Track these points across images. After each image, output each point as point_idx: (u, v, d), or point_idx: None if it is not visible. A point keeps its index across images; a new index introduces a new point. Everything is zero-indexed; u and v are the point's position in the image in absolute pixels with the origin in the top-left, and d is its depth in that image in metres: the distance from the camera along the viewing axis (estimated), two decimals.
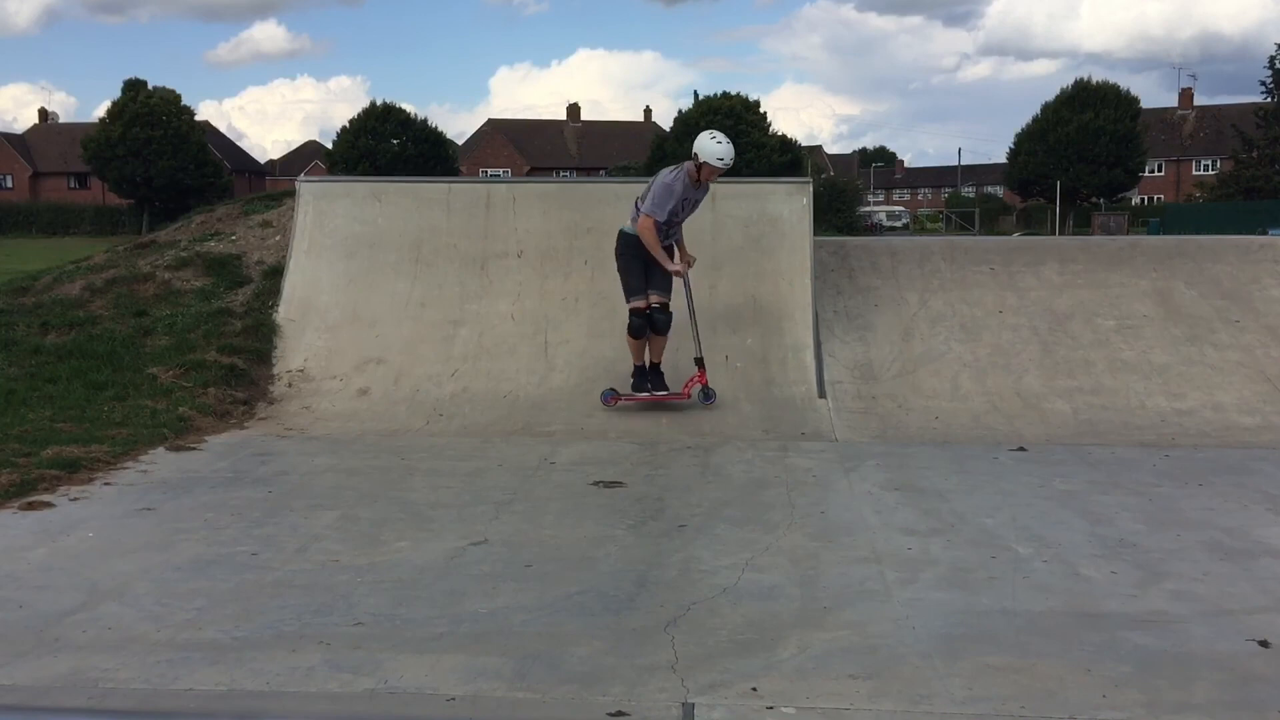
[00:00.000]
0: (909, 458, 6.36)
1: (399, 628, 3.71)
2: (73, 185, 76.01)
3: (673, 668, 3.36)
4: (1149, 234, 36.00)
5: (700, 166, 7.25)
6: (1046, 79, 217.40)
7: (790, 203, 9.04)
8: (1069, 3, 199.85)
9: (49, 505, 5.21)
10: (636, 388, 7.54)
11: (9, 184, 76.46)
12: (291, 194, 9.95)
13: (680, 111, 60.63)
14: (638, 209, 7.37)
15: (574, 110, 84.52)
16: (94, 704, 3.15)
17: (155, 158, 58.47)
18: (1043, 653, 3.49)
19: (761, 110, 59.77)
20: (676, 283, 7.48)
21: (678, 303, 7.56)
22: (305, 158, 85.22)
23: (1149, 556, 4.48)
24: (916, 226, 69.94)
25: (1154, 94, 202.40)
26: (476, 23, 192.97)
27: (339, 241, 9.04)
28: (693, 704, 3.12)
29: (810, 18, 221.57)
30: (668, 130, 63.63)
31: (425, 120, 64.49)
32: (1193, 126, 78.98)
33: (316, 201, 9.34)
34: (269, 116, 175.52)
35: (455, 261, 8.86)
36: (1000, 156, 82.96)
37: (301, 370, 8.09)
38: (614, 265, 7.63)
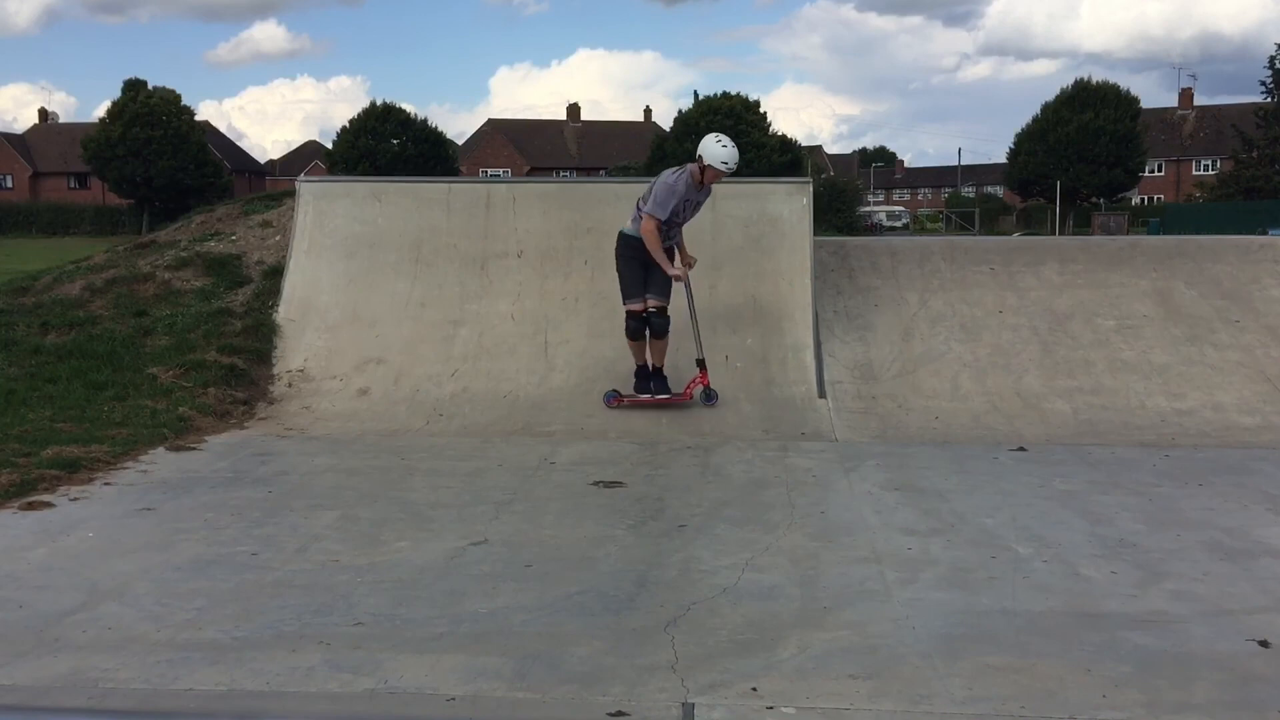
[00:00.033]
0: (909, 458, 6.36)
1: (399, 628, 3.71)
2: (73, 185, 76.00)
3: (673, 668, 3.36)
4: (1149, 234, 36.00)
5: (704, 169, 7.24)
6: (1046, 79, 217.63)
7: (790, 203, 9.04)
8: (1069, 3, 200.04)
9: (49, 505, 5.21)
10: (638, 388, 7.55)
11: (9, 184, 76.47)
12: (291, 194, 9.95)
13: (680, 111, 60.69)
14: (639, 211, 7.36)
15: (574, 110, 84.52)
16: (94, 704, 3.15)
17: (155, 158, 58.47)
18: (1043, 653, 3.49)
19: (761, 110, 59.79)
20: (676, 285, 7.47)
21: (680, 303, 7.56)
22: (305, 158, 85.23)
23: (1149, 556, 4.48)
24: (916, 226, 69.94)
25: (1154, 94, 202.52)
26: (476, 23, 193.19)
27: (339, 241, 9.04)
28: (693, 704, 3.12)
29: (810, 18, 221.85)
30: (668, 130, 63.61)
31: (425, 120, 64.56)
32: (1193, 126, 78.98)
33: (316, 201, 9.34)
34: (269, 116, 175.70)
35: (455, 261, 8.86)
36: (1000, 156, 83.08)
37: (301, 370, 8.09)
38: (614, 265, 7.63)
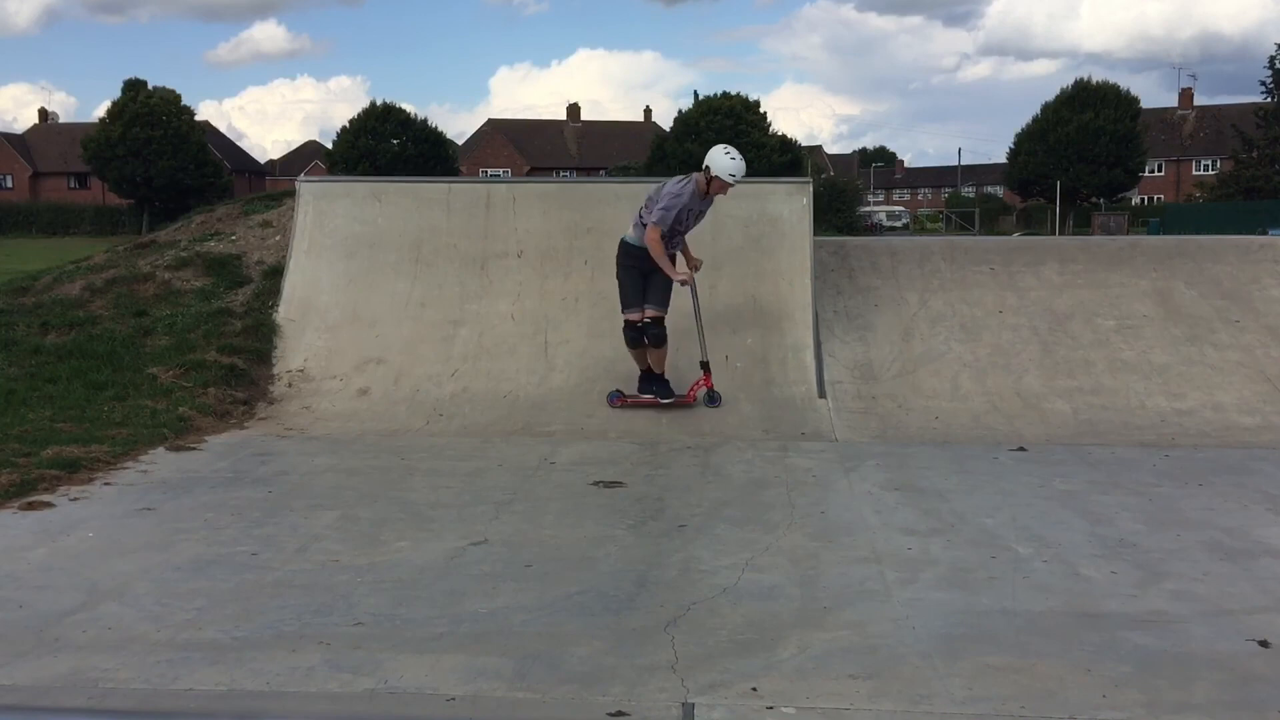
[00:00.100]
0: (909, 458, 6.36)
1: (399, 628, 3.71)
2: (73, 185, 75.99)
3: (673, 668, 3.36)
4: (1149, 234, 36.01)
5: (711, 180, 7.24)
6: (1046, 79, 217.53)
7: (790, 203, 9.04)
8: (1069, 3, 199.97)
9: (49, 505, 5.21)
10: (642, 389, 7.56)
11: (9, 184, 76.45)
12: (291, 194, 9.96)
13: (680, 111, 60.69)
14: (641, 220, 7.35)
15: (574, 110, 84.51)
16: (94, 704, 3.15)
17: (155, 158, 58.45)
18: (1043, 653, 3.49)
19: (761, 110, 59.73)
20: (677, 290, 7.47)
21: (684, 305, 7.56)
22: (305, 158, 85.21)
23: (1149, 556, 4.48)
24: (916, 226, 69.92)
25: (1154, 94, 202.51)
26: (476, 23, 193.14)
27: (339, 241, 9.05)
28: (693, 704, 3.12)
29: (810, 18, 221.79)
30: (668, 130, 63.62)
31: (425, 120, 64.52)
32: (1193, 126, 78.97)
33: (316, 201, 9.34)
34: (269, 116, 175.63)
35: (455, 261, 8.86)
36: (1000, 156, 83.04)
37: (301, 370, 8.09)
38: (614, 265, 7.63)
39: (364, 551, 4.56)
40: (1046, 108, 62.96)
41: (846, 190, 61.44)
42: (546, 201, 9.25)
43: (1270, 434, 6.94)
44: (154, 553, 4.53)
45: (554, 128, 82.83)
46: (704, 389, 7.52)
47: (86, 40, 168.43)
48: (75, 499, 5.34)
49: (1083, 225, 56.17)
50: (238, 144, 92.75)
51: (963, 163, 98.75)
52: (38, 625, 3.71)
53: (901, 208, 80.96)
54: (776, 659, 3.44)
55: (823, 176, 62.28)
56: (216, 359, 7.92)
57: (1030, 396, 7.57)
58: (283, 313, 8.66)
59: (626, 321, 7.48)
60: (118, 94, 60.82)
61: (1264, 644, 3.55)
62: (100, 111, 65.32)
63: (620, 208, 8.57)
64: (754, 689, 3.22)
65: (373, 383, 7.87)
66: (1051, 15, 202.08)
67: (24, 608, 3.88)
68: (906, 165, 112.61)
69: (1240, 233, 17.73)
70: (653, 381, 7.54)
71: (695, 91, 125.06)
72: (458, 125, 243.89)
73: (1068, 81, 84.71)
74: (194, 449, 6.50)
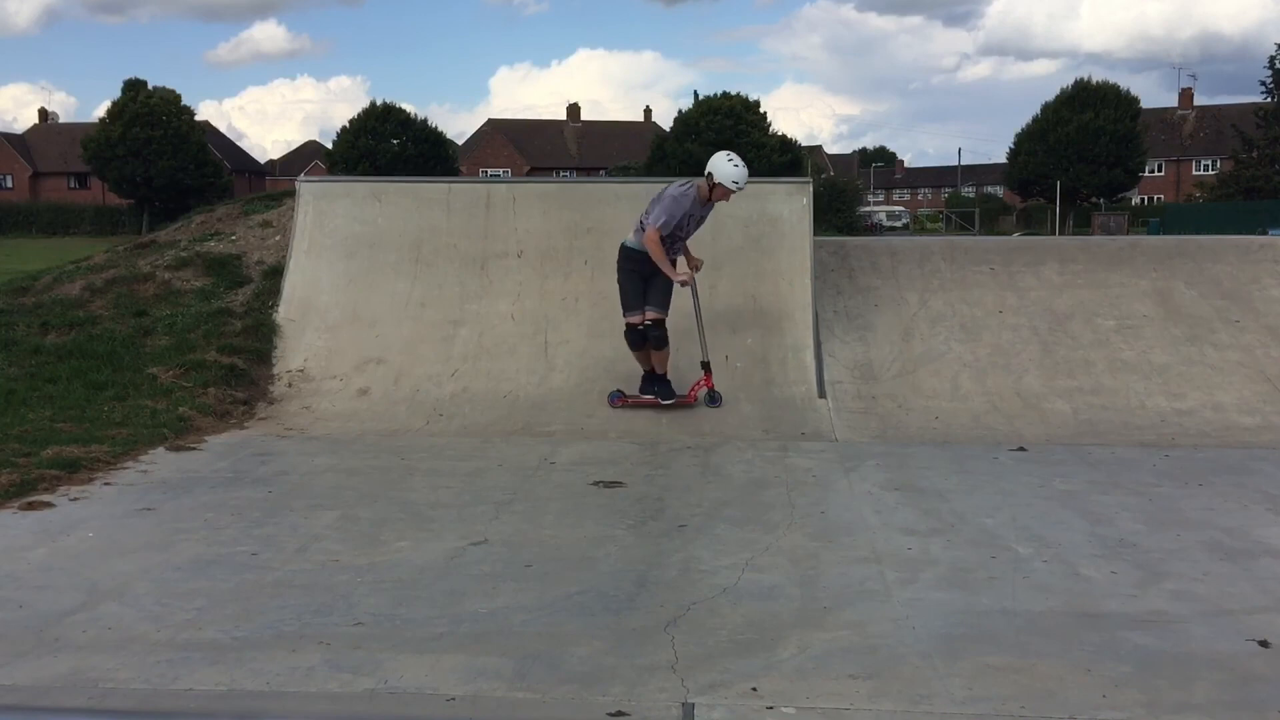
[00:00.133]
0: (909, 458, 6.36)
1: (399, 628, 3.71)
2: (73, 185, 75.98)
3: (673, 668, 3.36)
4: (1149, 234, 36.01)
5: (714, 187, 7.24)
6: (1046, 79, 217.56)
7: (790, 203, 9.04)
8: (1069, 3, 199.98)
9: (49, 505, 5.21)
10: (643, 390, 7.57)
11: (9, 184, 76.44)
12: (291, 194, 9.96)
13: (680, 111, 60.64)
14: (642, 225, 7.35)
15: (574, 110, 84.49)
16: (94, 704, 3.15)
17: (155, 158, 58.45)
18: (1043, 653, 3.49)
19: (761, 110, 59.65)
20: (678, 292, 7.47)
21: (685, 306, 7.56)
22: (305, 158, 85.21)
23: (1149, 556, 4.48)
24: (916, 226, 69.92)
25: (1154, 94, 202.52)
26: (476, 23, 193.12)
27: (339, 241, 9.05)
28: (693, 704, 3.12)
29: (810, 18, 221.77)
30: (668, 130, 63.61)
31: (425, 120, 64.50)
32: (1193, 126, 78.97)
33: (316, 201, 9.34)
34: (269, 116, 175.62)
35: (455, 261, 8.86)
36: (1000, 156, 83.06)
37: (301, 370, 8.09)
38: (614, 265, 7.63)
39: (364, 551, 4.56)
40: (1046, 108, 62.97)
41: (846, 190, 61.44)
42: (546, 201, 9.25)
43: (1270, 434, 6.94)
44: (154, 553, 4.53)
45: (554, 128, 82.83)
46: (705, 389, 7.53)
47: (86, 40, 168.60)
48: (75, 499, 5.34)
49: (1083, 225, 56.18)
50: (238, 144, 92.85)
51: (963, 163, 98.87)
52: (38, 625, 3.71)
53: (901, 208, 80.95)
54: (776, 659, 3.44)
55: (823, 176, 62.26)
56: (216, 359, 7.92)
57: (1030, 396, 7.57)
58: (283, 313, 8.66)
59: (628, 324, 7.49)
60: (118, 94, 60.90)
61: (1264, 644, 3.55)
62: (100, 111, 65.43)
63: (620, 208, 8.58)
64: (754, 689, 3.22)
65: (373, 383, 7.87)
66: (1051, 15, 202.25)
67: (24, 608, 3.88)
68: (906, 165, 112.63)
69: (1240, 233, 17.74)
70: (654, 382, 7.55)
71: (695, 91, 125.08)
72: (458, 125, 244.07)
73: (1068, 81, 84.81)
74: (194, 449, 6.50)
